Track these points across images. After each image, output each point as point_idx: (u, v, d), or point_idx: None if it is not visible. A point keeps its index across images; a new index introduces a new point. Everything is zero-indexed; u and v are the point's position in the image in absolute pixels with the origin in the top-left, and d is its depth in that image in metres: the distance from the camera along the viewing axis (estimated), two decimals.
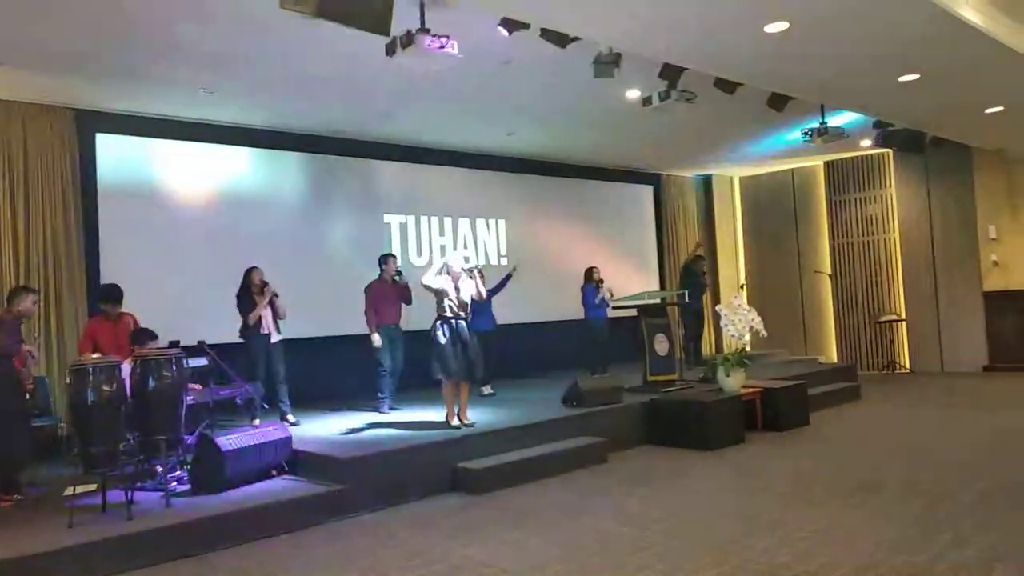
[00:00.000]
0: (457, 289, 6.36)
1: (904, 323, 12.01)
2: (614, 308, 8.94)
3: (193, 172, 8.03)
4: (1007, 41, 6.51)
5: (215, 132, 8.15)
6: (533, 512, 4.98)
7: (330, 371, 8.44)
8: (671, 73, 6.66)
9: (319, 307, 8.51)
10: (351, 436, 6.22)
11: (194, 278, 7.80)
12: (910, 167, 11.80)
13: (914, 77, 7.34)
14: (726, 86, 7.15)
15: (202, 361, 5.93)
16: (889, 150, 11.43)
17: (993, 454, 6.00)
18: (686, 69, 6.65)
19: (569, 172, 11.54)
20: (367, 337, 7.38)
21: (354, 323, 7.63)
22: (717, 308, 8.25)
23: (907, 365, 11.93)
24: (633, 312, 8.43)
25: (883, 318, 12.10)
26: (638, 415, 7.14)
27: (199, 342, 5.92)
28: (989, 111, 8.87)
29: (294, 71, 6.67)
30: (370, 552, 4.32)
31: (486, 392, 8.25)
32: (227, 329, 6.97)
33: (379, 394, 7.44)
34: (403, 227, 9.67)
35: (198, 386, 5.84)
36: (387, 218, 9.55)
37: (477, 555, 4.15)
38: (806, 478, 5.55)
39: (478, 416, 6.63)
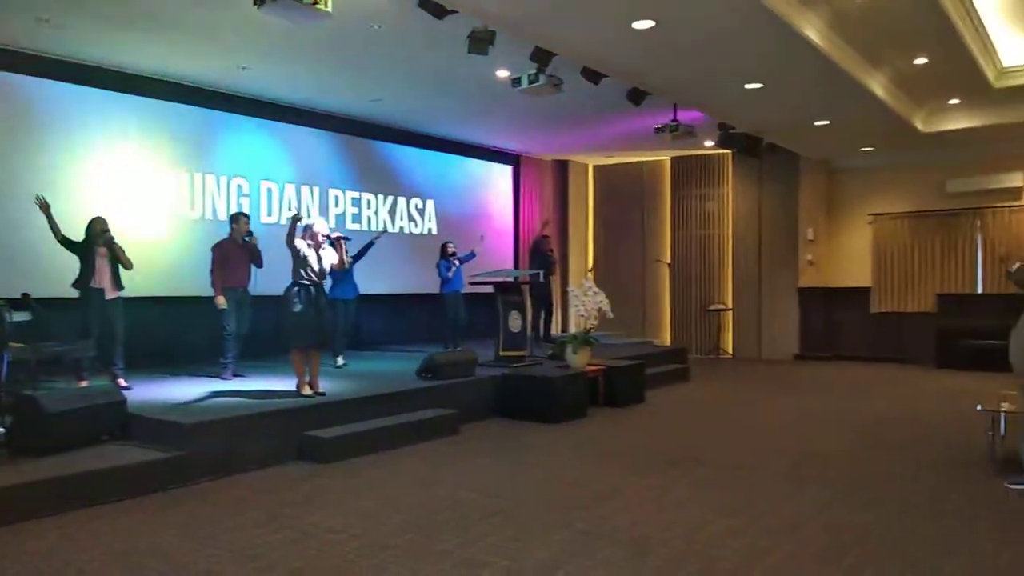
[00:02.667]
0: (319, 257, 6.19)
1: (730, 312, 13.07)
2: (471, 284, 9.06)
3: (29, 112, 7.23)
4: (839, 62, 7.23)
5: (59, 68, 7.38)
6: (383, 481, 5.01)
7: (171, 333, 7.98)
8: (542, 57, 6.81)
9: (162, 266, 8.02)
10: (192, 401, 5.93)
11: (20, 227, 7.06)
12: (746, 169, 12.79)
13: (758, 86, 7.98)
14: (592, 76, 7.42)
15: (25, 316, 5.43)
16: (729, 151, 12.32)
17: (800, 430, 6.72)
18: (556, 55, 6.84)
19: (432, 144, 11.48)
20: (212, 299, 7.04)
21: (200, 284, 7.24)
22: (568, 289, 8.57)
23: (730, 350, 13.02)
24: (491, 288, 8.58)
25: (712, 307, 13.10)
26: (490, 389, 7.32)
27: (23, 295, 5.42)
28: (818, 123, 9.80)
29: (147, 10, 6.18)
30: (212, 520, 4.17)
31: (339, 363, 8.11)
32: (56, 282, 6.40)
33: (222, 359, 7.13)
34: (257, 189, 9.23)
35: (18, 344, 5.35)
36: (238, 181, 9.06)
37: (326, 522, 4.12)
38: (641, 450, 5.97)
39: (329, 386, 6.52)
